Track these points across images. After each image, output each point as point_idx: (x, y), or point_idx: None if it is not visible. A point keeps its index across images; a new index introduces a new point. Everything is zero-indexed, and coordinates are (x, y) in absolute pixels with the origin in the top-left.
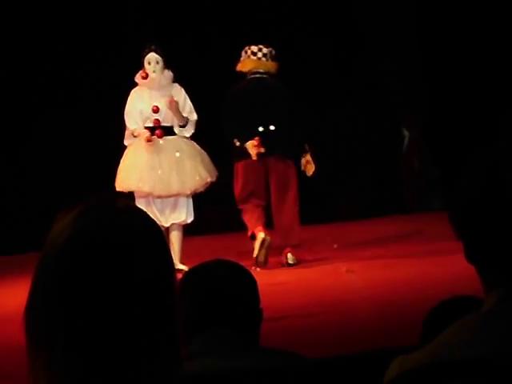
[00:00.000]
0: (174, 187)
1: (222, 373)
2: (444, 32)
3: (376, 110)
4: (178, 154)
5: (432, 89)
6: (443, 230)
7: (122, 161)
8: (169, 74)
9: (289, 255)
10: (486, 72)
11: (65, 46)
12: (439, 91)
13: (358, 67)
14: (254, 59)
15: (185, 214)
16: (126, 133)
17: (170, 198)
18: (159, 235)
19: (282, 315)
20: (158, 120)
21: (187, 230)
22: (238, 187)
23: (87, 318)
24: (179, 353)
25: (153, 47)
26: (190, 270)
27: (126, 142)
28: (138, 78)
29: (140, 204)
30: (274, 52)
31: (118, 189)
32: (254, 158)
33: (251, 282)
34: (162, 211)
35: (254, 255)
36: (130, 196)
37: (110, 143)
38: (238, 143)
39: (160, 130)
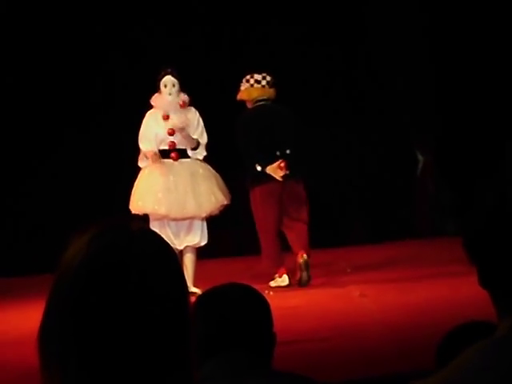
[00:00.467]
0: (190, 210)
1: None
2: (457, 54)
3: (389, 132)
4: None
5: (445, 111)
6: (457, 255)
7: (136, 183)
8: (185, 97)
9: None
10: (500, 96)
11: (79, 69)
12: (452, 114)
13: (370, 89)
14: (258, 87)
15: (199, 237)
16: (140, 155)
17: (184, 221)
18: (173, 259)
19: (294, 339)
20: (173, 142)
21: (200, 253)
22: (259, 214)
23: (100, 340)
24: (192, 377)
25: (169, 70)
26: (203, 293)
27: (140, 164)
28: (153, 101)
29: (154, 226)
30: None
31: (132, 211)
32: (280, 179)
33: (264, 305)
34: (176, 234)
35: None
36: (144, 218)
37: (124, 165)
38: (259, 167)
39: (176, 153)
